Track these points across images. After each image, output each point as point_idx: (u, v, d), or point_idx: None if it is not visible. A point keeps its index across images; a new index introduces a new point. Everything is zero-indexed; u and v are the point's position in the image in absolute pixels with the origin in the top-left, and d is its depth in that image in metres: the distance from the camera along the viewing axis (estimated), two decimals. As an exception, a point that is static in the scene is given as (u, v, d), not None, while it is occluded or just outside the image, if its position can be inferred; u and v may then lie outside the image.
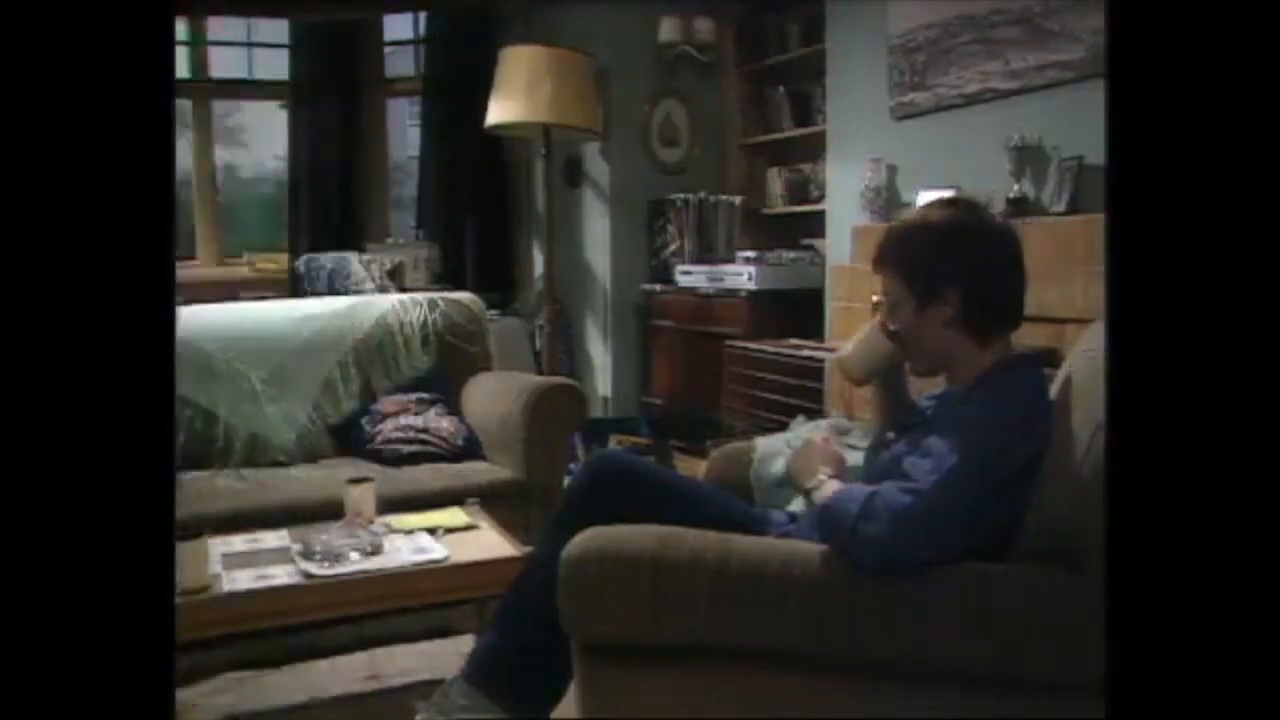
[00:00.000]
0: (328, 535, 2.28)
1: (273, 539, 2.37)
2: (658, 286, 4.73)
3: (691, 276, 4.47)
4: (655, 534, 1.48)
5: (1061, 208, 2.80)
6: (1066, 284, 2.75)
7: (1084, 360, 1.66)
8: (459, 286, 5.30)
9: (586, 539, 1.50)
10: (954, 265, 1.62)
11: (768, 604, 1.42)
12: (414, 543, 2.31)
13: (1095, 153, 2.78)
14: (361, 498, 2.46)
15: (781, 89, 4.75)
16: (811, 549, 1.47)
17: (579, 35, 4.88)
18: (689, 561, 1.44)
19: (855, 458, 1.98)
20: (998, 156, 3.01)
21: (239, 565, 2.18)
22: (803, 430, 2.11)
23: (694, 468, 4.25)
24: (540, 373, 4.84)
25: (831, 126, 3.96)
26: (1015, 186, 2.96)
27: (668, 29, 4.79)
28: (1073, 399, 1.59)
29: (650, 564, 1.44)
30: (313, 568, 2.14)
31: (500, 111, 4.39)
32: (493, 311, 4.89)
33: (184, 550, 2.02)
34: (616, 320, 4.96)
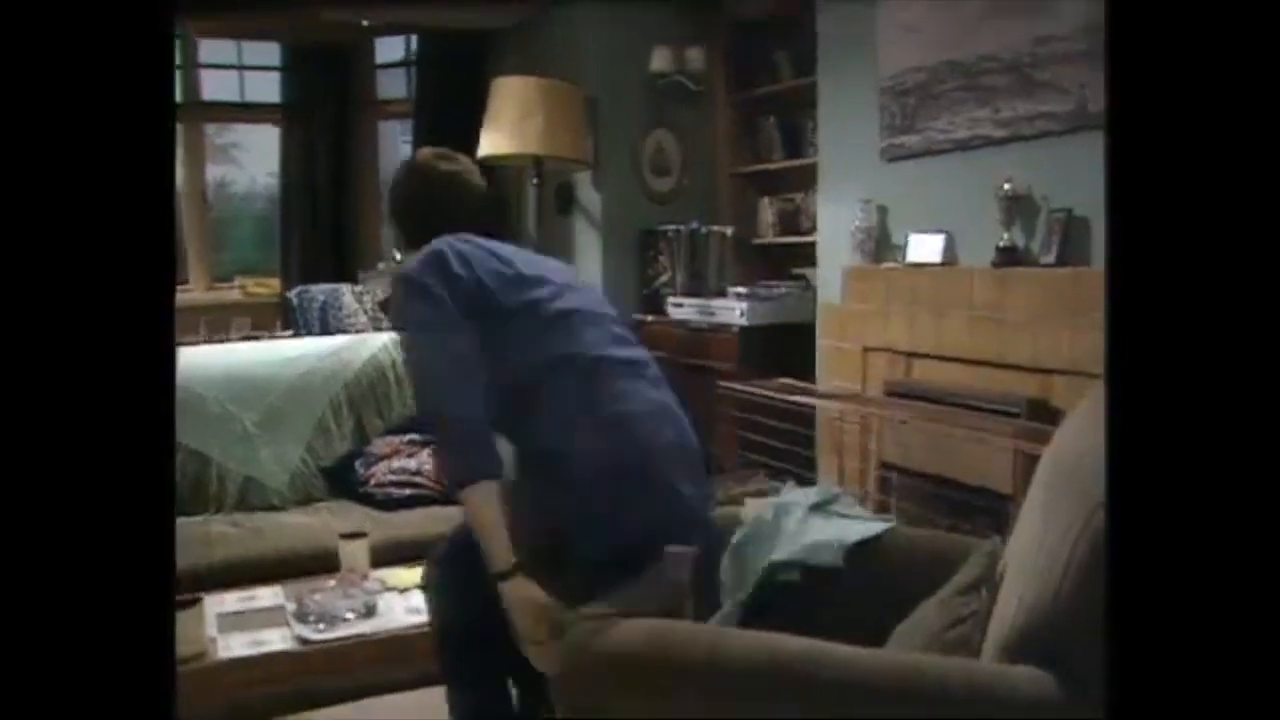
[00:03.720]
0: (322, 595, 2.29)
1: (268, 596, 2.38)
2: (649, 317, 4.75)
3: (683, 309, 4.49)
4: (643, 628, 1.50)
5: (1051, 259, 2.82)
6: (1054, 335, 2.78)
7: (1074, 436, 1.67)
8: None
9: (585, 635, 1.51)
10: None
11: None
12: (408, 602, 2.32)
13: (1084, 205, 2.81)
14: (355, 553, 2.48)
15: (772, 119, 4.77)
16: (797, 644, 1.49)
17: (570, 63, 4.90)
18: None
19: (841, 528, 1.99)
20: (988, 203, 3.03)
21: (234, 627, 2.19)
22: (792, 496, 2.12)
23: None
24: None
25: (822, 164, 3.98)
26: (1005, 235, 2.98)
27: (659, 59, 4.80)
28: (1065, 478, 1.60)
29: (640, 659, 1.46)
30: (308, 632, 2.16)
31: (492, 144, 4.41)
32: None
33: (180, 617, 2.03)
34: (608, 349, 4.96)
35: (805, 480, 3.57)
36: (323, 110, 5.71)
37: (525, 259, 2.01)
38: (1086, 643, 1.33)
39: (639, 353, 2.02)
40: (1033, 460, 2.49)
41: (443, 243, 1.92)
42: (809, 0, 4.06)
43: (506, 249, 2.00)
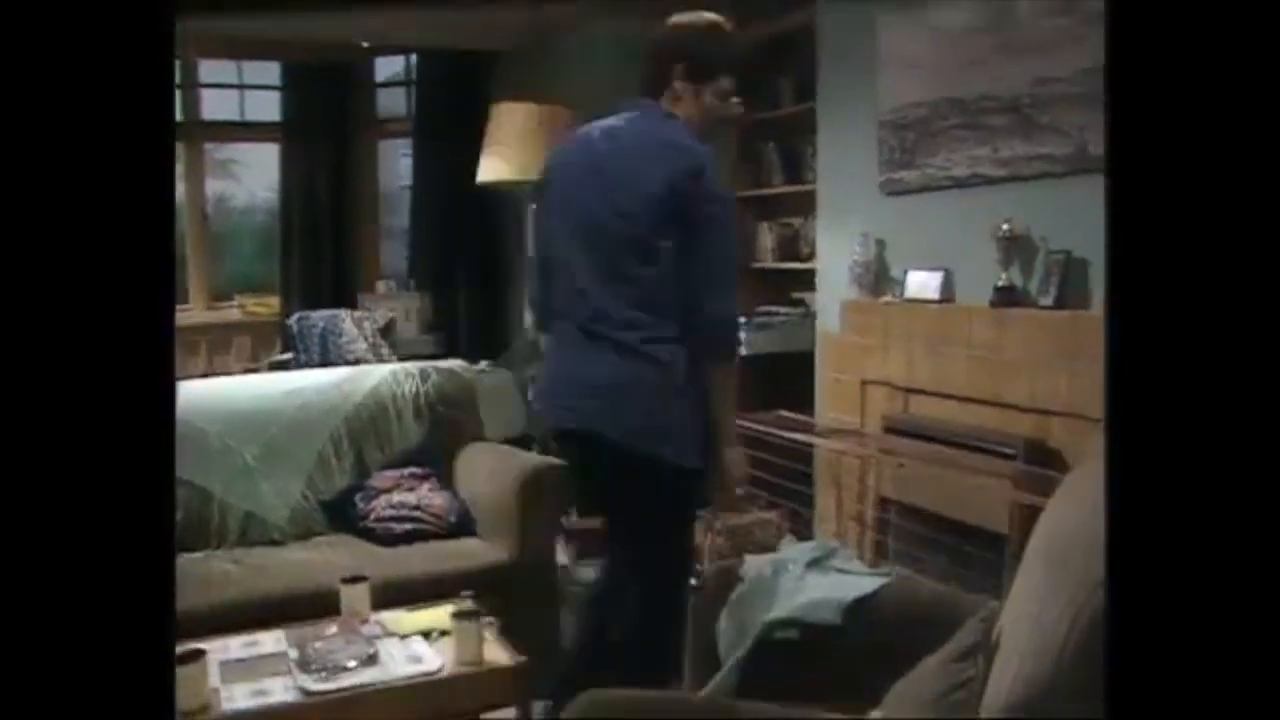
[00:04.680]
0: (323, 643, 2.30)
1: (270, 642, 2.39)
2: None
3: (682, 335, 4.49)
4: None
5: (1049, 301, 2.84)
6: (1051, 377, 2.80)
7: (1072, 508, 1.68)
8: (450, 335, 5.35)
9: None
10: None
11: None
12: (409, 650, 2.33)
13: (1082, 247, 2.83)
14: (357, 597, 2.49)
15: (772, 144, 4.79)
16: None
17: (570, 85, 4.91)
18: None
19: (839, 584, 2.01)
20: (986, 242, 3.05)
21: (237, 677, 2.20)
22: (790, 552, 2.14)
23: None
24: (531, 425, 4.87)
25: (821, 193, 4.00)
26: (1003, 275, 3.00)
27: (659, 83, 4.80)
28: (1063, 554, 1.61)
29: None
30: (310, 682, 2.17)
31: (492, 169, 4.42)
32: (484, 361, 4.94)
33: (183, 668, 2.04)
34: (607, 372, 4.97)
35: (801, 514, 3.59)
36: (322, 129, 5.73)
37: None
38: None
39: None
40: (1029, 509, 2.52)
41: None
42: (810, 27, 4.08)
43: None
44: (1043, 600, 1.55)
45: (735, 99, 2.46)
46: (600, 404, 2.32)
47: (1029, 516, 2.46)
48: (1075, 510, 1.63)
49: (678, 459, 2.28)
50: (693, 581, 3.92)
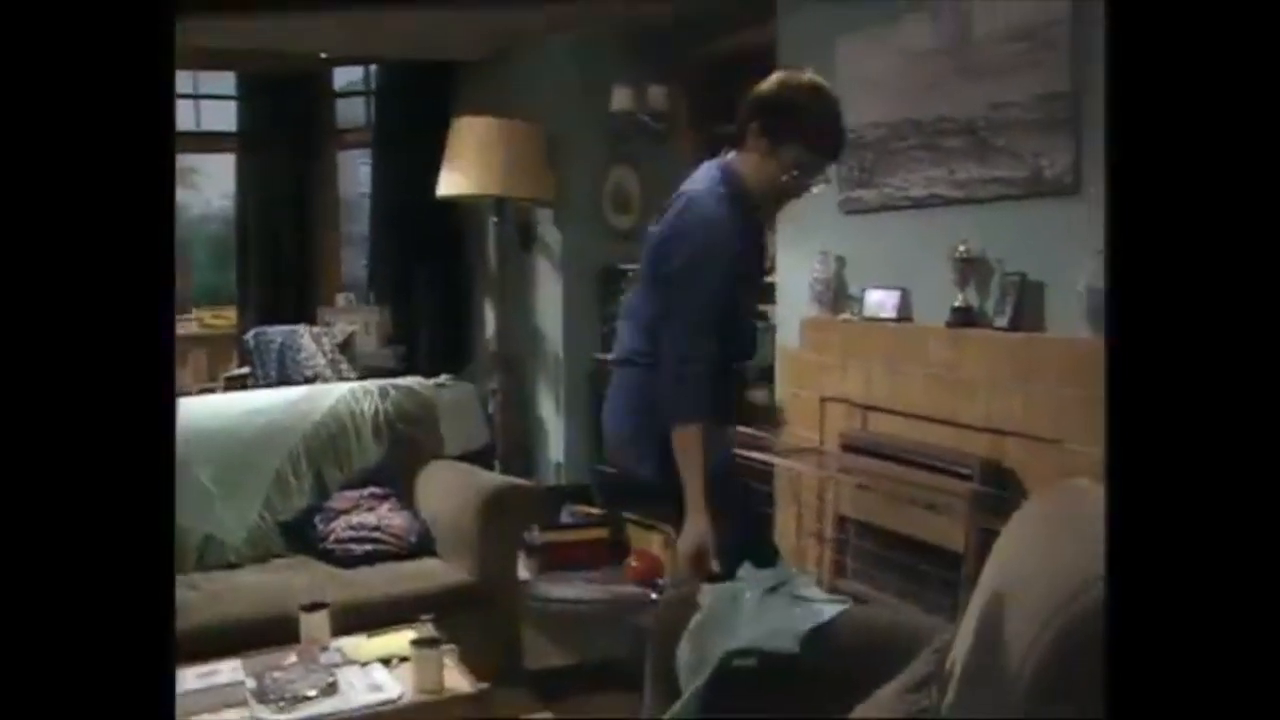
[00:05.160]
0: (282, 672, 2.29)
1: (227, 671, 2.37)
2: (609, 356, 4.76)
3: (643, 350, 4.50)
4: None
5: (1004, 323, 2.87)
6: (1007, 398, 2.83)
7: (1022, 550, 1.70)
8: (411, 348, 5.32)
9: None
10: None
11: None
12: (369, 678, 2.32)
13: (1037, 270, 2.86)
14: (316, 625, 2.48)
15: (733, 159, 4.81)
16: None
17: (532, 99, 4.91)
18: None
19: (797, 613, 2.02)
20: (943, 262, 3.08)
21: (193, 709, 2.18)
22: (748, 577, 2.15)
23: (646, 539, 4.31)
24: (493, 438, 4.87)
25: (781, 210, 4.01)
26: (960, 296, 3.03)
27: (620, 98, 4.81)
28: (1014, 596, 1.63)
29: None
30: (268, 713, 2.15)
31: (452, 184, 4.42)
32: (445, 375, 4.92)
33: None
34: (569, 386, 4.99)
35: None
36: (279, 140, 5.67)
37: None
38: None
39: None
40: (984, 531, 2.55)
41: None
42: (772, 44, 4.10)
43: None
44: (996, 632, 1.57)
45: (815, 179, 2.37)
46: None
47: (984, 538, 2.49)
48: (1028, 543, 1.65)
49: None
50: (652, 595, 3.94)
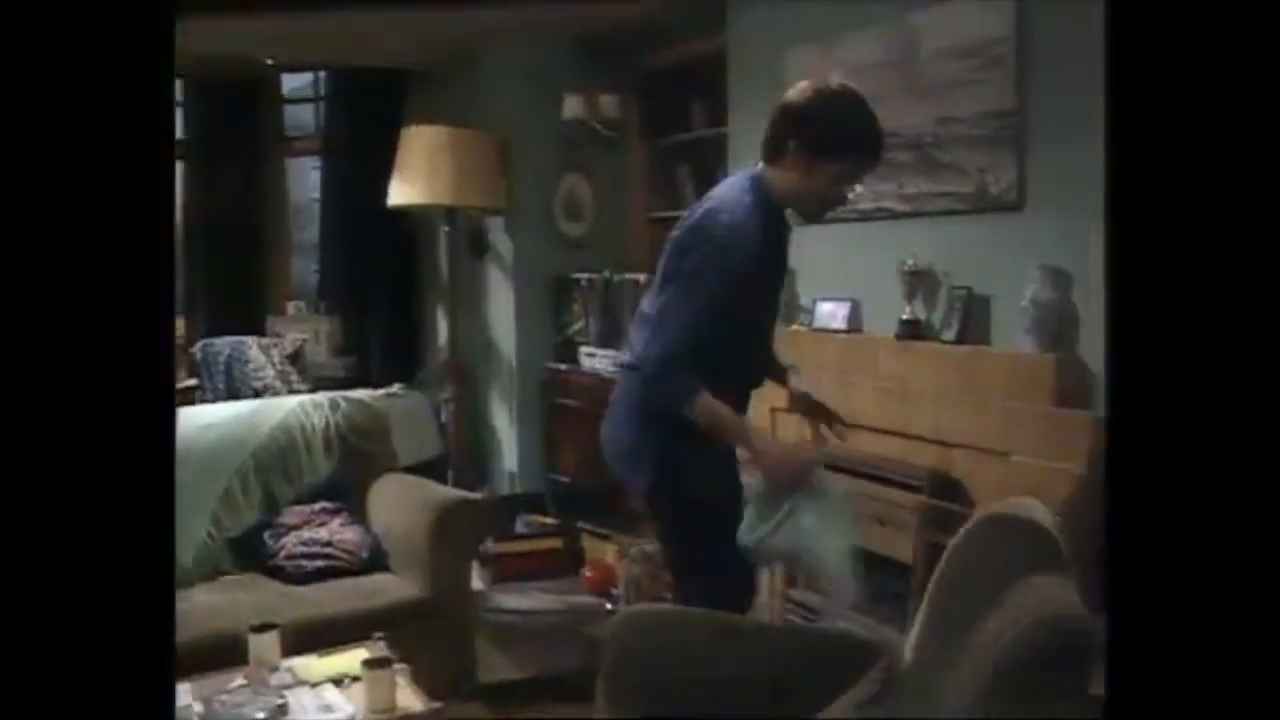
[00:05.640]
0: (230, 695, 2.26)
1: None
2: (562, 366, 4.76)
3: (596, 359, 4.52)
4: None
5: (951, 336, 2.91)
6: (954, 410, 2.87)
7: (965, 563, 1.73)
8: (362, 358, 5.28)
9: None
10: None
11: None
12: (320, 699, 2.30)
13: (983, 284, 2.91)
14: (266, 646, 2.44)
15: (686, 168, 4.83)
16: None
17: (484, 106, 4.89)
18: None
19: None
20: (892, 275, 3.12)
21: (139, 734, 2.15)
22: None
23: (601, 549, 4.30)
24: (446, 448, 4.85)
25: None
26: (908, 309, 3.07)
27: (571, 106, 4.82)
28: (959, 608, 1.66)
29: None
30: (215, 739, 2.13)
31: (403, 193, 4.39)
32: (397, 385, 4.89)
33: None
34: (522, 395, 4.98)
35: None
36: (227, 146, 5.59)
37: None
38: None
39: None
40: (933, 544, 2.59)
41: None
42: (722, 54, 4.12)
43: None
44: (941, 649, 1.60)
45: (852, 186, 2.31)
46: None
47: (933, 550, 2.53)
48: (975, 571, 1.68)
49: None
50: (608, 606, 3.94)
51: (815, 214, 2.40)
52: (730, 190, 2.31)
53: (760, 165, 2.33)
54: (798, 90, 2.29)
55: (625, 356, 2.48)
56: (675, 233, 2.34)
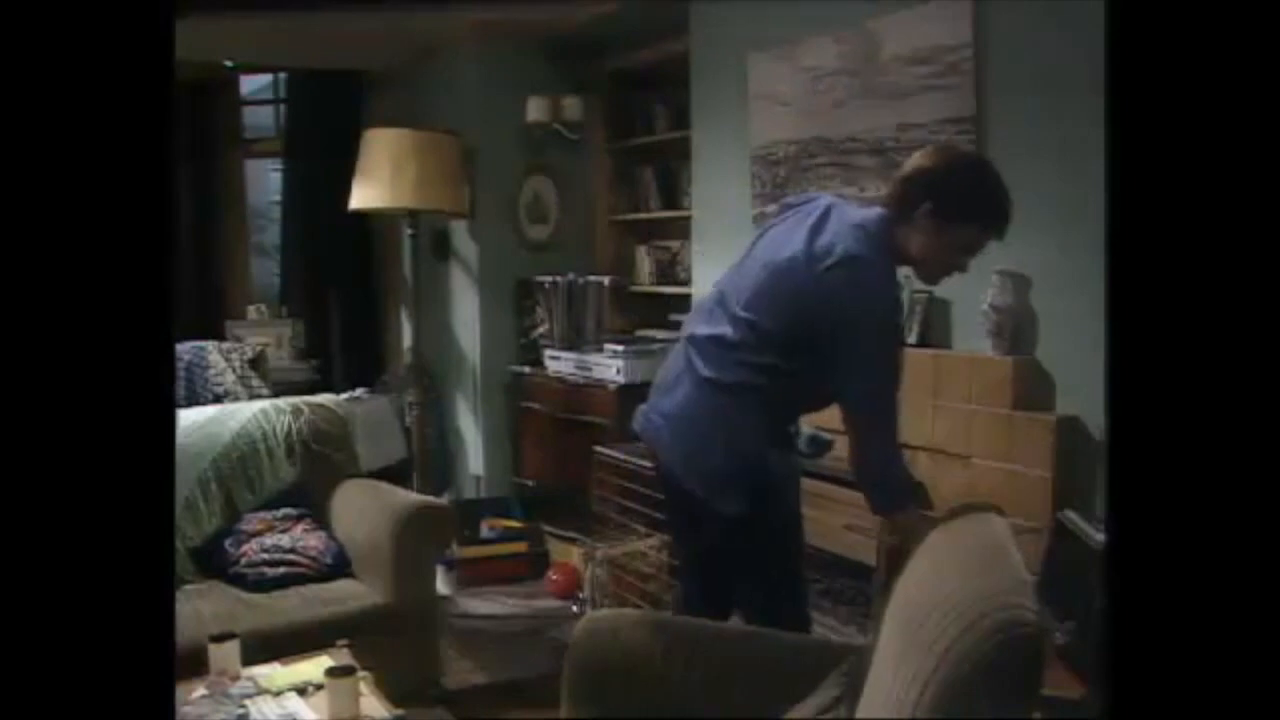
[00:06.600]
0: (190, 706, 2.24)
1: (133, 707, 2.31)
2: (526, 369, 4.76)
3: (560, 363, 4.51)
4: None
5: (913, 339, 2.94)
6: (919, 414, 2.89)
7: (924, 583, 1.74)
8: (324, 362, 5.24)
9: None
10: None
11: None
12: (282, 708, 2.28)
13: (943, 288, 2.92)
14: (226, 656, 2.42)
15: (649, 170, 4.84)
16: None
17: (446, 109, 4.88)
18: None
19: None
20: (854, 278, 3.14)
21: (98, 748, 2.12)
22: None
23: (566, 552, 4.30)
24: (411, 452, 4.82)
25: (696, 223, 4.07)
26: (870, 312, 3.09)
27: (535, 109, 4.81)
28: (915, 627, 1.67)
29: None
30: (177, 751, 2.10)
31: (364, 197, 4.34)
32: (360, 389, 4.86)
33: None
34: (486, 398, 4.96)
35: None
36: (185, 147, 5.53)
37: None
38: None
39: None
40: (894, 550, 2.60)
41: None
42: (685, 57, 4.14)
43: None
44: (896, 665, 1.61)
45: (974, 254, 2.25)
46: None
47: (895, 553, 2.55)
48: (930, 576, 1.69)
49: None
50: (573, 609, 3.94)
51: (935, 278, 2.33)
52: (867, 245, 2.16)
53: (882, 212, 2.21)
54: (928, 154, 2.22)
55: (701, 369, 2.27)
56: (794, 260, 2.18)
